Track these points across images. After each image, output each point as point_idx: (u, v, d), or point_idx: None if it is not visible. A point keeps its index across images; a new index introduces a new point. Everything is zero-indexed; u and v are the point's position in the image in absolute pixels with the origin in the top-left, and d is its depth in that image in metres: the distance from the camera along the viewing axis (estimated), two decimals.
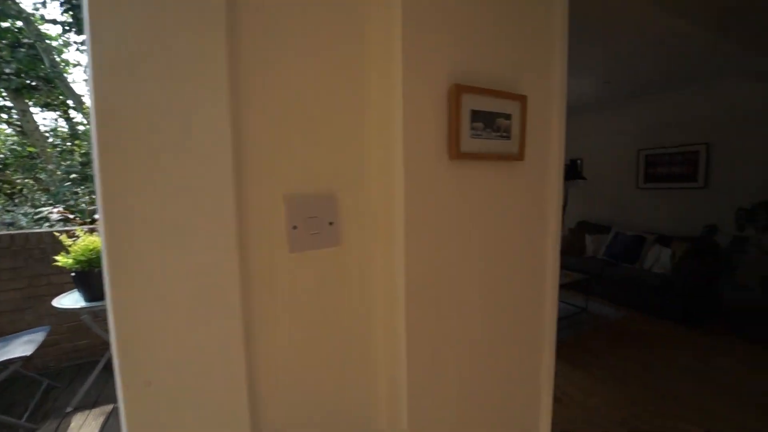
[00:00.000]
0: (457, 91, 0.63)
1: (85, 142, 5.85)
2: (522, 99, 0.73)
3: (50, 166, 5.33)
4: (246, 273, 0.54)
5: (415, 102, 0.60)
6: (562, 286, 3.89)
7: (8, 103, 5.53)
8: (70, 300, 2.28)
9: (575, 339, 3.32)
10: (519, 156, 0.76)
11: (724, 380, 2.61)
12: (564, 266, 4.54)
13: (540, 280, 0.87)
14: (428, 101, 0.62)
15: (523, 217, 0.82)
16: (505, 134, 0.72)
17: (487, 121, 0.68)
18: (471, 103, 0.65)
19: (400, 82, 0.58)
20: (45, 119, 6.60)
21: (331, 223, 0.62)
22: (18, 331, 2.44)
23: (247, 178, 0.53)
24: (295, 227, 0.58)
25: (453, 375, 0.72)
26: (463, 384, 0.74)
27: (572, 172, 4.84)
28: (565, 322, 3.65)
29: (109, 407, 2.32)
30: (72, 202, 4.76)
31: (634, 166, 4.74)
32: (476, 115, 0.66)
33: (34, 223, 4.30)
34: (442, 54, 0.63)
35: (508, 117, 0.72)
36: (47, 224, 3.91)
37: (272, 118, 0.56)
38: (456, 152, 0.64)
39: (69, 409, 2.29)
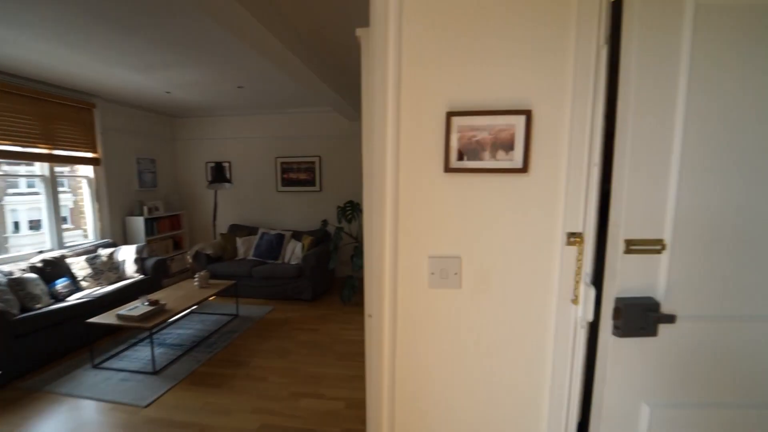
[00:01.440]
0: None
1: None
2: None
3: None
4: None
5: None
6: (214, 296, 3.61)
7: None
8: None
9: (223, 353, 3.13)
10: None
11: (327, 342, 3.32)
12: (214, 274, 4.30)
13: None
14: None
15: None
16: None
17: None
18: None
19: None
20: None
21: None
22: None
23: None
24: None
25: None
26: None
27: (218, 175, 4.68)
28: (215, 337, 3.40)
29: None
30: None
31: (274, 172, 5.28)
32: None
33: None
34: None
35: None
36: None
37: None
38: None
39: None
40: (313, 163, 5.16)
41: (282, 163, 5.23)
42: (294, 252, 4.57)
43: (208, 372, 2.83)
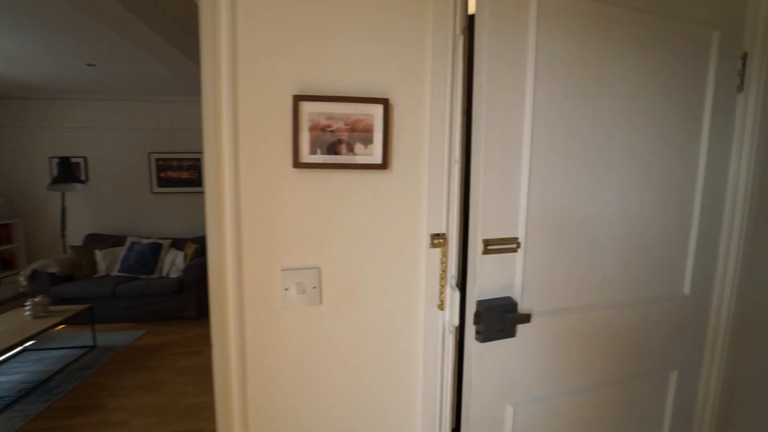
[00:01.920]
0: None
1: None
2: None
3: None
4: None
5: None
6: (61, 325, 2.81)
7: None
8: None
9: (68, 397, 2.47)
10: None
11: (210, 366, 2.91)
12: (61, 298, 3.44)
13: None
14: None
15: None
16: None
17: None
18: None
19: None
20: None
21: None
22: None
23: None
24: None
25: None
26: None
27: (65, 173, 3.75)
28: (59, 378, 2.68)
29: None
30: None
31: (147, 170, 4.48)
32: None
33: None
34: None
35: None
36: None
37: None
38: None
39: None
40: (198, 160, 4.52)
41: (158, 159, 4.46)
42: (174, 263, 3.93)
43: (42, 427, 2.19)
